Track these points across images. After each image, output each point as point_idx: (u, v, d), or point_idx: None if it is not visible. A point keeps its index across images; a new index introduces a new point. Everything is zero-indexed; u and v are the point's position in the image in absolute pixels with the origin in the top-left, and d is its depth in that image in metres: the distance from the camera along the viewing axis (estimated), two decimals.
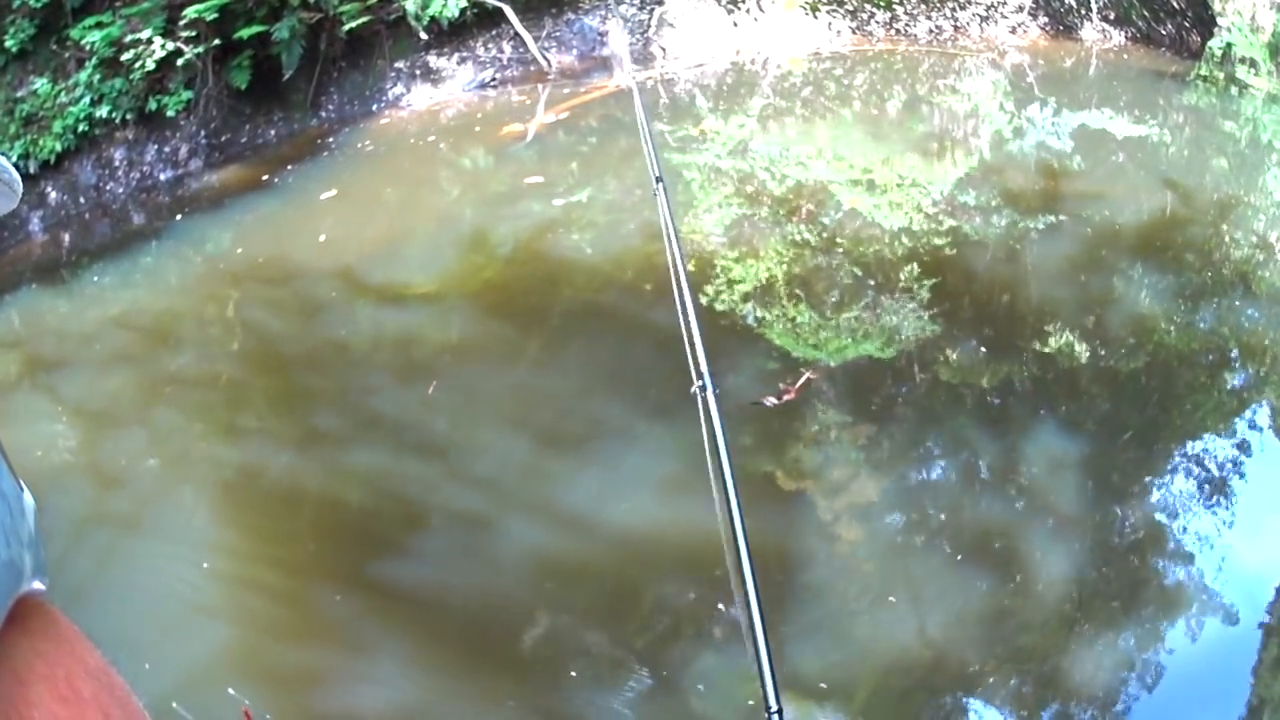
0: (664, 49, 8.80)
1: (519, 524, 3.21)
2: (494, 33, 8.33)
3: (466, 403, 3.94)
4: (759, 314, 4.49)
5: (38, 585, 0.63)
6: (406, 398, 3.97)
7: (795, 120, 8.46)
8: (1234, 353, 4.05)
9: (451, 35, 8.22)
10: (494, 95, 8.04)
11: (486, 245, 5.19)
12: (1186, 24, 10.99)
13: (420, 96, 8.02)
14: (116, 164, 7.85)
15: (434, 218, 5.72)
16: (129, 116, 7.76)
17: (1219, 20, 10.95)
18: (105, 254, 6.74)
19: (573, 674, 2.65)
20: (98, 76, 7.63)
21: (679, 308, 1.74)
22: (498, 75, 8.16)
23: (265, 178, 6.92)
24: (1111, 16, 10.62)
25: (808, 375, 3.78)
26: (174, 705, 2.72)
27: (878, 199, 6.82)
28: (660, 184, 2.12)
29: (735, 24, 8.98)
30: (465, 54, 8.23)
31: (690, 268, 4.88)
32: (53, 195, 7.75)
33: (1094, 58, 10.27)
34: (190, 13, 7.46)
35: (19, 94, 7.78)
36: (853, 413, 3.85)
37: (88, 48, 7.57)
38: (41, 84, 7.78)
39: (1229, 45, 10.43)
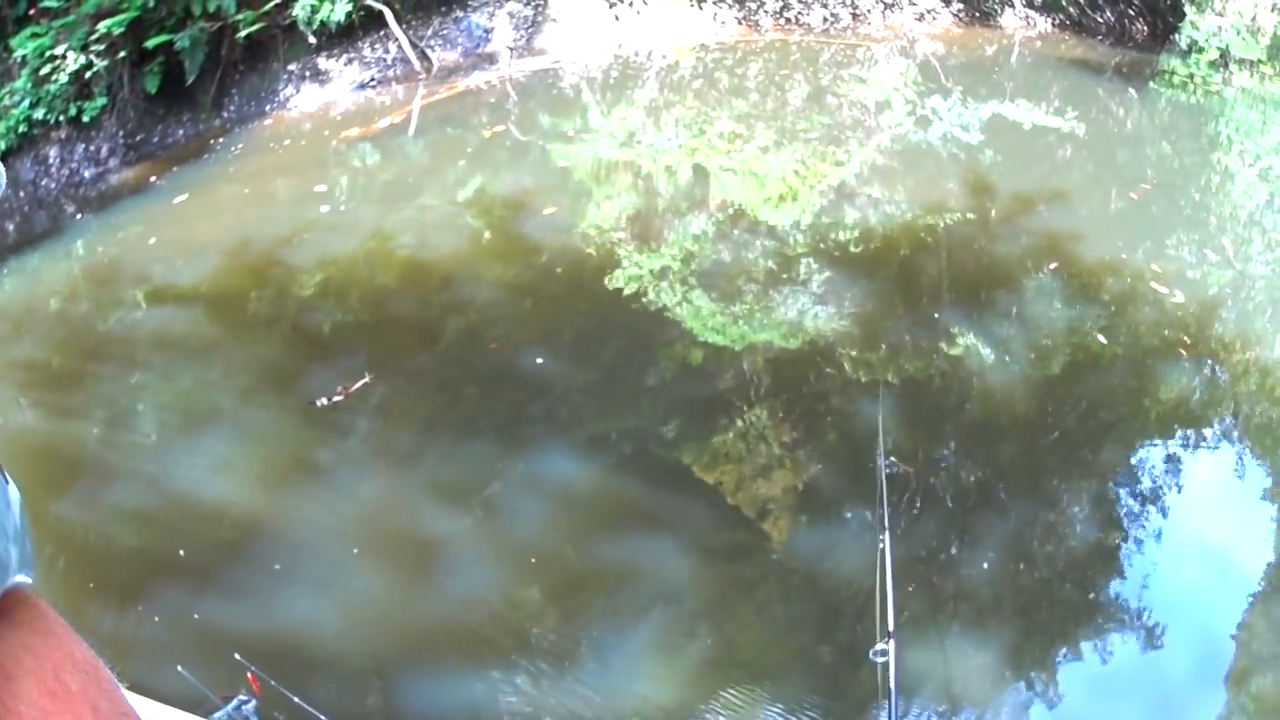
0: (546, 44, 9.38)
1: (132, 481, 4.37)
2: (381, 34, 9.06)
3: (153, 388, 5.06)
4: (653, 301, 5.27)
5: (24, 578, 0.63)
6: (122, 383, 5.12)
7: (682, 112, 8.83)
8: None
9: (341, 38, 8.99)
10: (374, 95, 8.80)
11: (246, 250, 6.06)
12: (1131, 11, 10.37)
13: (308, 98, 8.84)
14: (51, 161, 8.95)
15: (235, 221, 6.58)
16: (61, 119, 8.84)
17: (1217, 18, 10.34)
18: (17, 249, 7.86)
19: (90, 585, 3.80)
20: (29, 84, 8.71)
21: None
22: (377, 75, 8.92)
23: (153, 179, 7.89)
24: (1036, 2, 10.15)
25: (366, 379, 4.55)
26: (179, 669, 3.15)
27: (766, 192, 7.29)
28: None
29: (617, 17, 9.46)
30: (353, 55, 9.00)
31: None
32: None
33: (1016, 47, 9.89)
34: (101, 27, 8.44)
35: None
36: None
37: (19, 59, 8.65)
38: None
39: (1226, 46, 10.00)
